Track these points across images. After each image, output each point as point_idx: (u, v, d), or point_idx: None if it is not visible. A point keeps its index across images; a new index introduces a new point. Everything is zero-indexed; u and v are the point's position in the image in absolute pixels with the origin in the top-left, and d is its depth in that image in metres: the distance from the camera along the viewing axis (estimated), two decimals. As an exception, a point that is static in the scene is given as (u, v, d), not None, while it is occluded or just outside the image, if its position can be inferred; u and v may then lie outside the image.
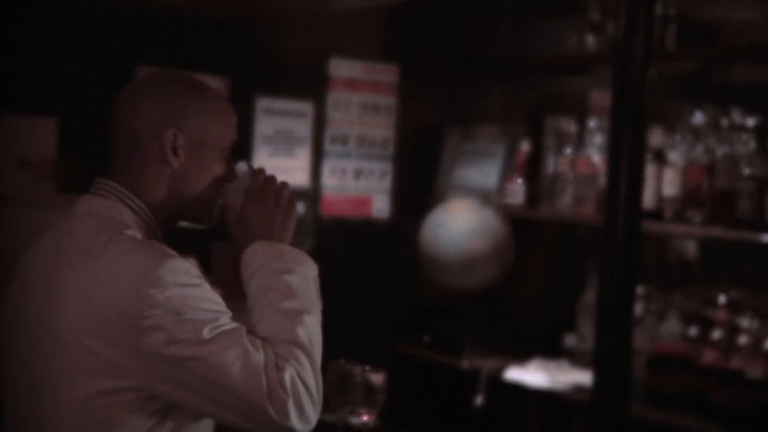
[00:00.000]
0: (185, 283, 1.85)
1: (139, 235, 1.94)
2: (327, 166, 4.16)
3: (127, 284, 1.82)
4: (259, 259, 1.98)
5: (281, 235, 2.04)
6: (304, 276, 2.01)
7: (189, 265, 1.88)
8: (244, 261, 2.00)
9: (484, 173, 4.17)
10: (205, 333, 1.81)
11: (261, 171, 2.08)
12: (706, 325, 3.40)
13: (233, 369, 1.81)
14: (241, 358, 1.82)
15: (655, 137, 3.54)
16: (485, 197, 4.05)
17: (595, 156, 3.85)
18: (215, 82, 3.81)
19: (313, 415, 1.89)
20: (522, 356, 3.96)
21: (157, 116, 1.98)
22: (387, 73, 4.25)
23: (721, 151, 3.40)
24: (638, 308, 3.53)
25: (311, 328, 1.95)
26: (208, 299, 1.87)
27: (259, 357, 1.83)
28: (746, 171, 3.28)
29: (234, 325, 1.86)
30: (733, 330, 3.33)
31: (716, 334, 3.36)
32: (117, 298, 1.82)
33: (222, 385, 1.82)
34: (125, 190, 1.97)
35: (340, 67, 4.17)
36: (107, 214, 1.96)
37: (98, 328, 1.82)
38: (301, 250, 2.04)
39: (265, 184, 2.06)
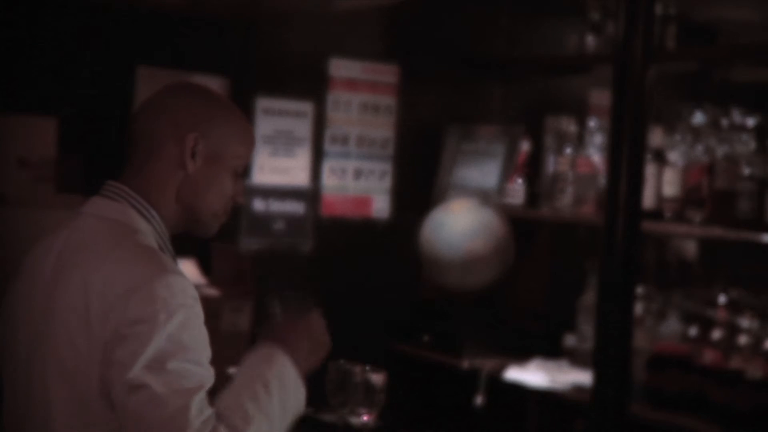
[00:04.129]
0: (178, 303, 1.84)
1: (148, 241, 1.95)
2: (327, 166, 4.16)
3: (121, 291, 1.83)
4: (268, 362, 1.95)
5: (299, 363, 2.01)
6: (290, 404, 1.96)
7: (187, 284, 1.88)
8: (258, 352, 1.98)
9: (484, 173, 4.17)
10: (170, 365, 1.80)
11: (318, 311, 2.11)
12: (706, 325, 3.40)
13: (165, 412, 1.78)
14: (179, 411, 1.78)
15: (655, 137, 3.55)
16: (485, 197, 4.05)
17: (595, 156, 3.85)
18: (215, 82, 3.81)
19: None
20: (522, 356, 3.96)
21: (182, 119, 2.00)
22: (387, 73, 4.25)
23: (721, 151, 3.40)
24: (638, 308, 3.53)
25: None
26: (191, 328, 1.85)
27: (194, 422, 1.79)
28: (746, 171, 3.28)
29: (200, 371, 1.83)
30: (733, 330, 3.33)
31: (716, 334, 3.36)
32: (109, 303, 1.83)
33: (146, 420, 1.79)
34: (135, 194, 1.98)
35: (340, 67, 4.17)
36: (116, 218, 1.96)
37: (89, 330, 1.83)
38: (304, 389, 2.00)
39: (318, 323, 2.09)
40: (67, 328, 1.85)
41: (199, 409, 1.80)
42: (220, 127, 2.02)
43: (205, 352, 1.87)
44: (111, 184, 2.01)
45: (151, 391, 1.78)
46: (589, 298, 3.79)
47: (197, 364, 1.84)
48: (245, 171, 2.10)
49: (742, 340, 3.30)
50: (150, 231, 1.97)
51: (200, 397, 1.82)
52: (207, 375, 1.85)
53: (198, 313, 1.88)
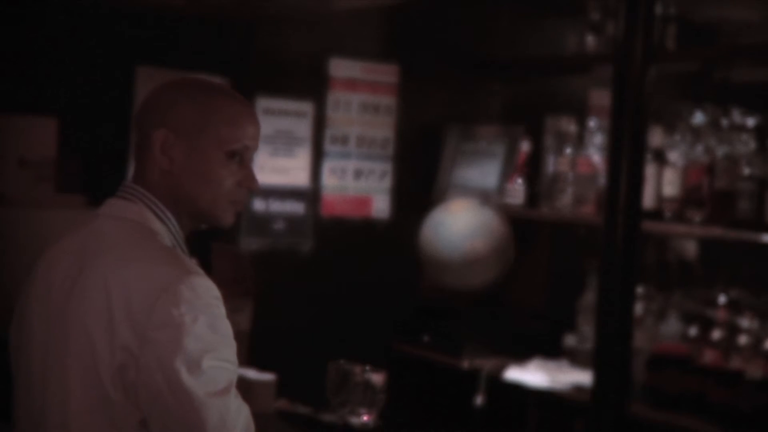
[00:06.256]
0: (203, 303, 1.84)
1: (165, 242, 1.94)
2: (327, 166, 4.16)
3: (147, 294, 1.83)
4: None
5: None
6: None
7: (209, 284, 1.88)
8: None
9: (484, 173, 4.17)
10: (204, 366, 1.82)
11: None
12: (706, 325, 3.40)
13: (211, 417, 1.82)
14: (224, 414, 1.84)
15: (655, 137, 3.55)
16: (485, 197, 4.05)
17: (595, 156, 3.85)
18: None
19: None
20: (522, 356, 3.96)
21: (152, 116, 1.98)
22: (387, 73, 4.25)
23: (721, 151, 3.40)
24: (638, 308, 3.53)
25: None
26: (217, 327, 1.86)
27: (236, 422, 1.86)
28: (746, 171, 3.28)
29: (231, 368, 1.87)
30: (733, 330, 3.33)
31: (716, 334, 3.36)
32: (134, 306, 1.83)
33: (196, 426, 1.82)
34: (151, 195, 1.97)
35: (340, 67, 4.17)
36: (134, 219, 1.95)
37: (111, 332, 1.83)
38: None
39: None
40: (86, 329, 1.85)
41: (237, 406, 1.87)
42: (191, 116, 1.95)
43: (232, 349, 1.89)
44: (127, 185, 1.99)
45: (195, 397, 1.81)
46: (589, 298, 3.79)
47: (227, 362, 1.86)
48: (241, 153, 1.99)
49: (742, 340, 3.30)
50: (165, 232, 1.96)
51: (234, 393, 1.87)
52: (235, 371, 1.89)
53: (222, 312, 1.88)
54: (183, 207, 1.98)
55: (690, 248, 3.98)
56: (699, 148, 3.47)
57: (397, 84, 4.27)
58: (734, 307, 3.37)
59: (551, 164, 4.02)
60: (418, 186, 4.29)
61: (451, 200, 4.10)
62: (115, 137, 3.68)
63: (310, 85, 4.11)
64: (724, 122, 3.46)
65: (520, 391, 3.87)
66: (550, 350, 3.95)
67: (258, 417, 1.97)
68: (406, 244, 3.95)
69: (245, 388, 3.03)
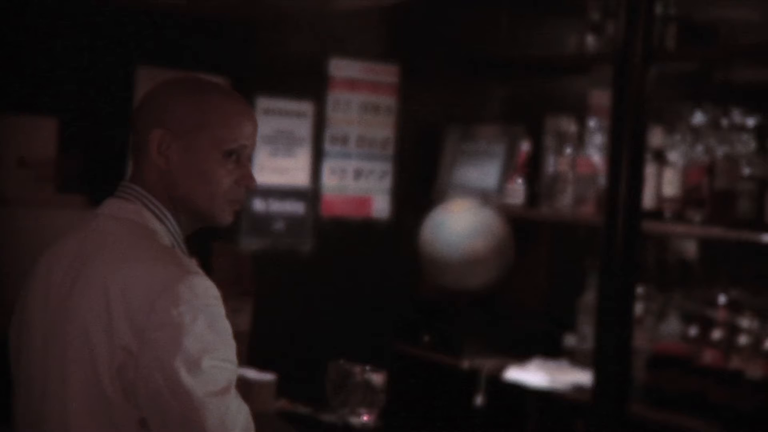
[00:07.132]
0: (202, 303, 1.84)
1: (164, 242, 1.94)
2: (327, 166, 4.16)
3: (145, 294, 1.83)
4: None
5: None
6: None
7: (208, 284, 1.88)
8: None
9: (484, 173, 4.17)
10: (204, 365, 1.82)
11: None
12: (706, 325, 3.40)
13: (211, 417, 1.82)
14: (224, 414, 1.84)
15: (655, 137, 3.55)
16: (485, 197, 4.05)
17: (595, 156, 3.85)
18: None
19: None
20: (522, 356, 3.96)
21: (149, 116, 1.98)
22: (387, 73, 4.25)
23: (721, 151, 3.40)
24: (638, 308, 3.53)
25: None
26: (216, 327, 1.86)
27: (237, 421, 1.86)
28: (746, 171, 3.28)
29: (231, 368, 1.87)
30: (733, 330, 3.33)
31: (716, 334, 3.36)
32: (133, 306, 1.83)
33: (196, 426, 1.83)
34: (149, 195, 1.97)
35: (340, 67, 4.17)
36: (132, 219, 1.95)
37: (110, 332, 1.83)
38: None
39: None
40: (85, 329, 1.85)
41: (237, 406, 1.87)
42: (187, 116, 1.96)
43: (231, 348, 1.89)
44: (125, 185, 2.00)
45: (194, 396, 1.81)
46: (589, 298, 3.79)
47: (227, 361, 1.86)
48: (238, 152, 1.99)
49: (742, 340, 3.30)
50: (164, 231, 1.96)
51: (234, 393, 1.87)
52: (235, 370, 1.88)
53: (221, 311, 1.88)
54: (181, 206, 1.99)
55: (690, 248, 3.98)
56: (699, 148, 3.47)
57: (397, 84, 4.27)
58: (734, 307, 3.37)
59: (551, 164, 4.02)
60: (418, 186, 4.29)
61: (451, 200, 4.10)
62: (115, 137, 3.68)
63: (310, 85, 4.11)
64: (724, 122, 3.46)
65: (520, 391, 3.87)
66: (550, 350, 3.95)
67: (258, 417, 1.97)
68: (406, 244, 3.95)
69: (245, 388, 3.04)
